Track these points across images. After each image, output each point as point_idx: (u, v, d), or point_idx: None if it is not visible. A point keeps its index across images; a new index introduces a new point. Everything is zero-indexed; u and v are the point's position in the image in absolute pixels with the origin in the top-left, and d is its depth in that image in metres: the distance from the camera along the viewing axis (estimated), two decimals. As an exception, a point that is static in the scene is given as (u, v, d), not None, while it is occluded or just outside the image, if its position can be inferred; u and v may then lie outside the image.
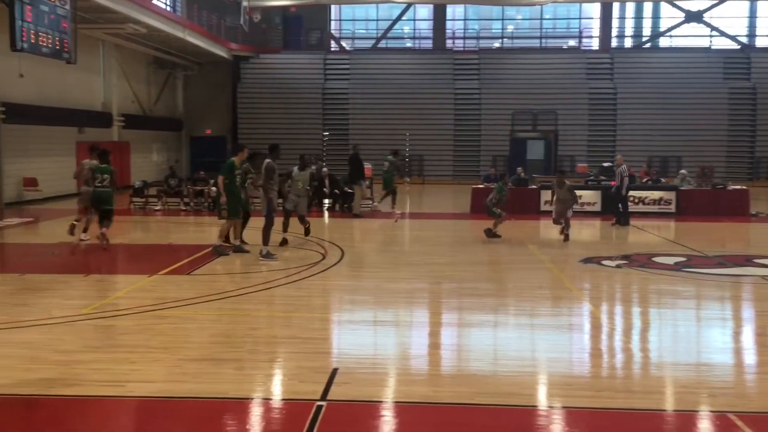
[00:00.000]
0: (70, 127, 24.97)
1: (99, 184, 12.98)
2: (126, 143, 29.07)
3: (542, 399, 6.00)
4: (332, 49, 38.09)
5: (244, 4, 31.60)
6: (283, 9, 36.26)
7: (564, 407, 5.68)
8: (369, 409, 5.59)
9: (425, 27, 39.14)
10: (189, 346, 7.12)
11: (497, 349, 7.48)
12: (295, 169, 13.62)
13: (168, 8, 30.59)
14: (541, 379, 6.46)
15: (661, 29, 38.66)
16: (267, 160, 12.31)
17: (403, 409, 5.64)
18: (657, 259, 12.71)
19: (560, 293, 9.94)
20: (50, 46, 18.35)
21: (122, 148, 28.38)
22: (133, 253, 13.42)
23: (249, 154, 13.01)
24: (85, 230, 13.65)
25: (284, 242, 13.47)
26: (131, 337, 7.49)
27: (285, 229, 13.71)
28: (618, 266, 12.03)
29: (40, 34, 17.74)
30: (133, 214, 19.52)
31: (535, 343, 7.76)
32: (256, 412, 5.61)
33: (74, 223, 13.99)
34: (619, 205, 17.73)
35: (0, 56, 19.63)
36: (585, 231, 17.09)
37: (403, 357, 7.14)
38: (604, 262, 12.32)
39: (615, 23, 38.14)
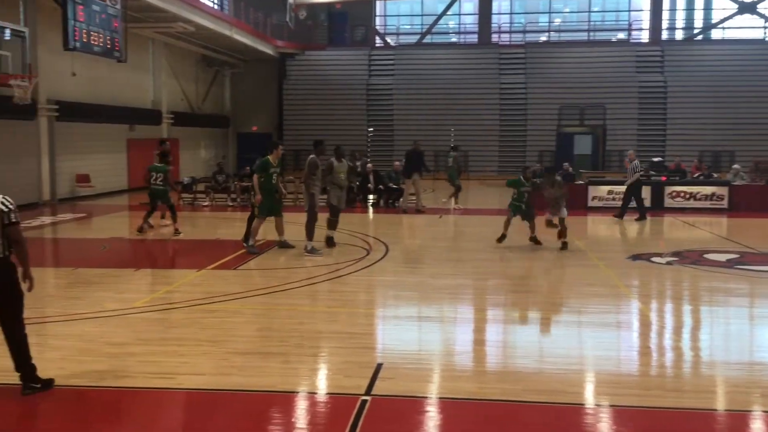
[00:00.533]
0: (121, 124, 25.52)
1: (153, 182, 13.94)
2: (175, 140, 29.56)
3: (589, 397, 5.92)
4: (377, 45, 38.13)
5: (290, 1, 31.85)
6: (329, 5, 36.42)
7: (611, 405, 5.60)
8: (413, 404, 5.59)
9: (470, 22, 38.89)
10: (236, 340, 7.22)
11: (543, 346, 7.41)
12: (334, 160, 12.89)
13: (216, 7, 31.00)
14: (588, 376, 6.37)
15: (714, 21, 37.70)
16: (311, 156, 12.39)
17: (447, 404, 5.62)
18: (709, 256, 12.42)
19: (608, 290, 9.79)
20: (101, 45, 18.79)
21: (171, 145, 28.85)
22: (183, 248, 13.64)
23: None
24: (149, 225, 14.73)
25: (330, 242, 12.84)
26: (181, 330, 7.63)
27: (334, 227, 13.07)
28: (668, 263, 11.79)
29: (92, 33, 18.18)
30: (182, 209, 19.84)
31: (583, 340, 7.66)
32: (301, 406, 5.66)
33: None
34: (632, 199, 17.49)
35: (53, 55, 20.18)
36: (634, 227, 16.78)
37: (448, 353, 7.12)
38: (653, 259, 12.09)
39: (665, 15, 37.34)
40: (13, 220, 5.49)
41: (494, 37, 37.70)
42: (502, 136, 34.08)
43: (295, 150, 34.41)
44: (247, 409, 5.54)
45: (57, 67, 20.76)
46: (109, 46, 19.27)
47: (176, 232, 14.33)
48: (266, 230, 12.74)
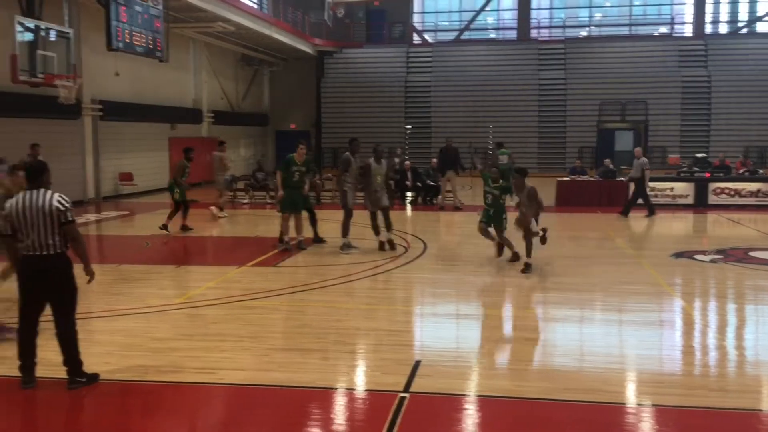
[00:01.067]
0: (163, 123, 25.93)
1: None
2: (215, 138, 29.92)
3: (630, 396, 5.85)
4: (415, 42, 38.06)
5: (328, -1, 32.00)
6: (367, 3, 36.49)
7: (653, 405, 5.52)
8: (451, 401, 5.59)
9: (509, 17, 38.59)
10: (276, 336, 7.30)
11: (583, 344, 7.34)
12: (372, 161, 12.47)
13: (255, 6, 31.29)
14: (629, 375, 6.29)
15: (759, 13, 36.79)
16: (345, 153, 12.43)
17: (485, 402, 5.61)
18: (754, 254, 12.15)
19: (650, 288, 9.64)
20: (144, 45, 19.10)
21: (211, 144, 29.24)
22: (222, 245, 13.82)
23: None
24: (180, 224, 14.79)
25: (383, 246, 12.29)
26: (221, 326, 7.73)
27: (377, 232, 12.45)
28: (712, 261, 11.57)
29: (135, 33, 18.49)
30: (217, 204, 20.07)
31: (623, 339, 7.57)
32: (340, 402, 5.70)
33: (212, 208, 16.57)
34: (635, 196, 17.33)
35: (97, 56, 20.58)
36: (677, 224, 16.51)
37: (486, 351, 7.10)
38: (697, 257, 11.88)
39: (709, 8, 36.55)
40: (70, 219, 5.66)
41: (533, 33, 37.34)
42: (540, 133, 33.76)
43: (332, 148, 34.58)
44: (287, 404, 5.60)
45: (101, 68, 21.17)
46: (151, 46, 19.58)
47: (163, 226, 14.41)
48: (305, 228, 12.82)
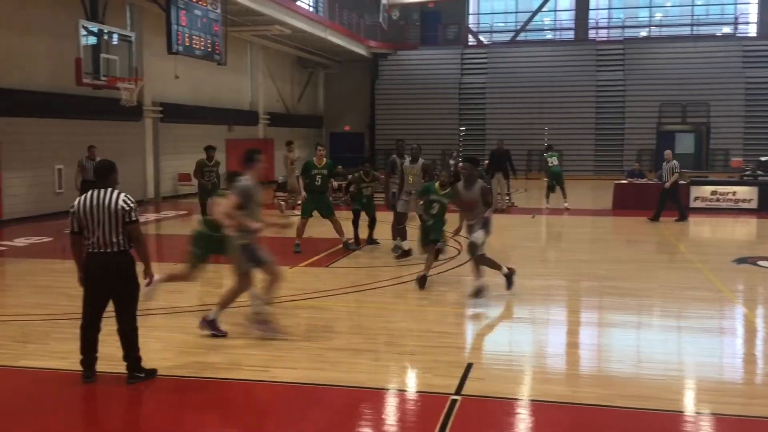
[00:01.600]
0: (221, 125, 26.39)
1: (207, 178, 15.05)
2: (270, 140, 30.33)
3: (689, 404, 5.70)
4: (470, 43, 37.90)
5: (384, 2, 32.11)
6: (421, 5, 36.49)
7: (712, 414, 5.37)
8: (504, 405, 5.53)
9: (567, 18, 38.08)
10: (328, 336, 7.34)
11: (640, 350, 7.17)
12: (406, 160, 11.93)
13: (311, 9, 31.62)
14: (687, 383, 6.13)
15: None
16: (393, 156, 12.37)
17: (538, 407, 5.54)
18: (822, 261, 11.71)
19: (710, 294, 9.38)
20: (203, 48, 19.49)
21: (267, 145, 29.64)
22: (276, 246, 13.94)
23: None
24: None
25: (406, 254, 11.76)
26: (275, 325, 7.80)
27: (402, 236, 11.98)
28: (776, 267, 11.19)
29: (194, 37, 18.88)
30: (276, 207, 20.30)
31: (682, 345, 7.38)
32: (391, 403, 5.70)
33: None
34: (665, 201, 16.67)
35: (157, 59, 21.07)
36: (739, 229, 16.02)
37: (540, 355, 7.01)
38: (760, 263, 11.50)
39: (775, 7, 35.40)
40: (133, 219, 5.78)
41: (591, 33, 36.80)
42: (598, 135, 33.22)
43: (386, 150, 34.63)
44: (339, 404, 5.63)
45: (161, 70, 21.68)
46: (210, 50, 19.96)
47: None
48: (362, 229, 12.87)
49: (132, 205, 5.79)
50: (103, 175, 5.89)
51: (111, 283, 5.79)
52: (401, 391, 5.95)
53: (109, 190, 5.80)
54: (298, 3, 28.73)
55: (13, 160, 16.33)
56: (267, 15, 23.91)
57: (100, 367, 6.03)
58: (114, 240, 5.73)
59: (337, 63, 36.30)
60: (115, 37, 17.25)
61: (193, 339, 7.18)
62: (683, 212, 16.73)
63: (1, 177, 16.22)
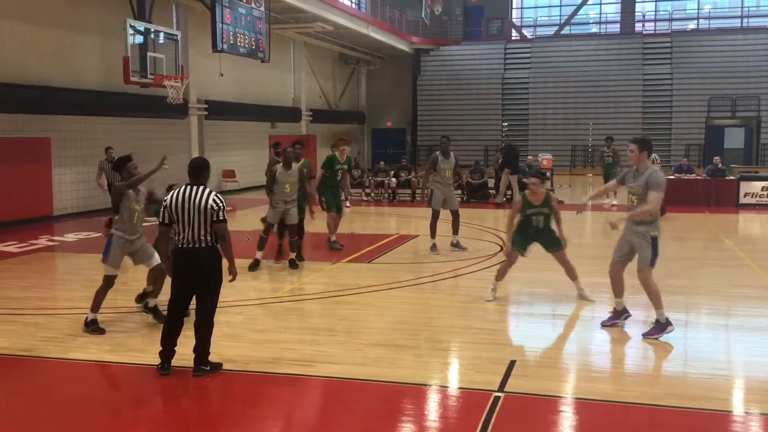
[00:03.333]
0: (264, 122, 26.66)
1: None
2: (313, 136, 30.52)
3: (738, 404, 5.58)
4: (513, 38, 37.57)
5: (426, -3, 32.02)
6: (464, 0, 36.33)
7: (762, 414, 5.24)
8: (547, 403, 5.49)
9: (612, 11, 37.47)
10: (370, 332, 7.37)
11: (687, 349, 7.04)
12: (439, 155, 11.86)
13: (353, 6, 31.68)
14: (736, 383, 6.00)
15: None
16: (436, 153, 12.18)
17: (583, 405, 5.48)
18: None
19: (761, 293, 9.15)
20: (247, 46, 19.68)
21: (309, 141, 29.84)
22: (319, 242, 14.06)
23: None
24: None
25: (434, 247, 11.91)
26: (318, 320, 7.89)
27: (433, 234, 12.06)
28: (831, 265, 10.86)
29: (238, 35, 19.08)
30: (318, 204, 20.43)
31: (731, 344, 7.23)
32: (433, 399, 5.70)
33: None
34: None
35: (202, 57, 21.37)
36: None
37: (584, 352, 6.93)
38: (813, 261, 11.18)
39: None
40: (221, 218, 5.93)
41: (638, 27, 36.16)
42: (645, 130, 32.59)
43: (428, 145, 34.60)
44: (381, 399, 5.65)
45: (206, 68, 21.98)
46: (253, 47, 20.15)
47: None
48: (399, 225, 12.88)
49: (221, 204, 5.92)
50: (196, 172, 6.03)
51: (196, 277, 5.94)
52: (443, 388, 5.94)
53: (201, 188, 5.95)
54: (341, 0, 28.83)
55: (63, 157, 16.74)
56: (310, 12, 24.05)
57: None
58: (202, 237, 5.87)
59: (379, 59, 36.33)
60: (162, 35, 17.53)
61: (238, 333, 7.28)
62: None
63: (52, 173, 16.64)
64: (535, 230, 8.71)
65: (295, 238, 10.80)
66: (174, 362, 6.10)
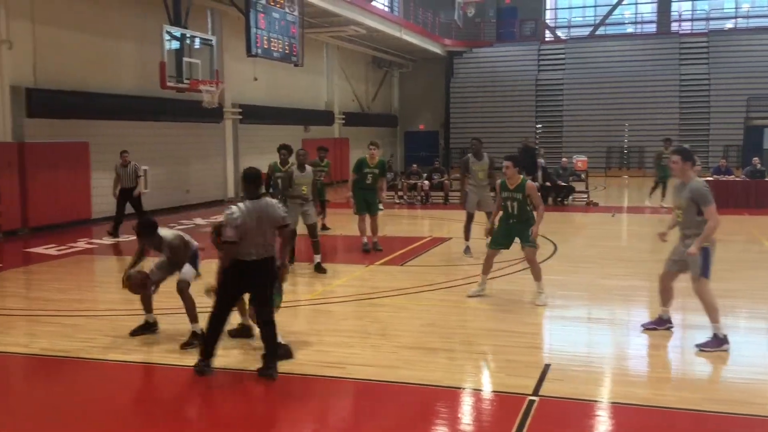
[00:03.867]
0: (297, 125, 26.82)
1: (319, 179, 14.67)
2: (345, 140, 30.64)
3: (779, 411, 5.45)
4: (547, 38, 37.30)
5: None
6: (497, 1, 36.16)
7: (806, 422, 5.12)
8: (583, 407, 5.42)
9: (648, 11, 36.98)
10: (403, 334, 7.36)
11: (727, 353, 6.89)
12: (470, 156, 11.79)
13: (386, 9, 31.75)
14: (778, 389, 5.87)
15: None
16: (468, 155, 12.11)
17: (619, 410, 5.40)
18: None
19: (803, 297, 8.94)
20: (281, 50, 19.82)
21: (342, 145, 29.97)
22: (352, 244, 14.09)
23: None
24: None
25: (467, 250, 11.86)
26: (350, 322, 7.90)
27: (467, 237, 12.00)
28: None
29: (272, 39, 19.22)
30: (352, 206, 20.47)
31: (772, 349, 7.06)
32: (467, 402, 5.67)
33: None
34: None
35: (236, 62, 21.59)
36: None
37: (620, 356, 6.83)
38: None
39: None
40: (287, 222, 6.09)
41: (674, 26, 35.64)
42: (681, 131, 32.11)
43: (461, 148, 34.49)
44: (414, 402, 5.63)
45: (240, 73, 22.18)
46: (287, 51, 20.28)
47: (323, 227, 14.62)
48: (432, 228, 12.85)
49: (285, 210, 6.07)
50: (257, 182, 6.01)
51: (258, 283, 6.02)
52: (477, 391, 5.90)
53: (263, 197, 6.01)
54: (374, 3, 28.90)
55: (101, 161, 17.02)
56: (343, 16, 24.15)
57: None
58: (271, 245, 6.00)
59: (411, 62, 36.33)
60: (197, 41, 17.74)
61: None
62: None
63: (91, 177, 16.93)
64: (512, 219, 8.73)
65: (316, 238, 10.86)
66: (190, 362, 6.16)
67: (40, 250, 13.07)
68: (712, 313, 6.82)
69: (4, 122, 14.75)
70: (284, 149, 11.68)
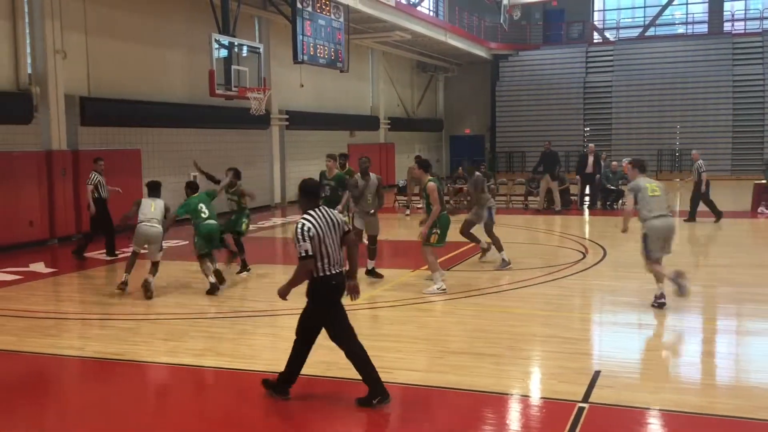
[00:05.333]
0: (343, 131, 26.97)
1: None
2: (391, 144, 30.68)
3: (841, 421, 5.27)
4: (595, 40, 36.80)
5: (504, 2, 31.71)
6: (544, 3, 35.82)
7: None
8: (634, 414, 5.32)
9: (700, 11, 36.19)
10: (450, 339, 7.33)
11: (785, 362, 6.70)
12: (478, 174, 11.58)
13: (431, 13, 31.74)
14: (840, 398, 5.67)
15: None
16: (477, 173, 11.57)
17: (672, 418, 5.29)
18: None
19: None
20: (326, 57, 19.98)
21: (387, 150, 30.03)
22: (398, 249, 14.11)
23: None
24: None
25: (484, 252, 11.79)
26: (397, 327, 7.90)
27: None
28: None
29: (318, 46, 19.39)
30: (397, 211, 20.51)
31: (833, 357, 6.83)
32: (515, 408, 5.62)
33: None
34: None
35: (283, 69, 21.83)
36: None
37: (672, 363, 6.70)
38: None
39: None
40: (349, 228, 5.81)
41: (727, 26, 34.78)
42: (735, 133, 31.34)
43: (507, 152, 34.31)
44: (461, 407, 5.60)
45: (287, 79, 22.42)
46: (333, 58, 20.43)
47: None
48: (477, 233, 12.78)
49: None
50: (316, 193, 5.74)
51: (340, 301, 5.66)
52: (525, 397, 5.84)
53: (324, 207, 5.65)
54: (419, 8, 28.92)
55: (151, 168, 17.38)
56: (388, 21, 24.21)
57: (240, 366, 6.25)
58: (339, 256, 5.60)
59: (456, 66, 36.22)
60: (245, 48, 17.99)
61: (318, 339, 7.35)
62: (718, 212, 16.57)
63: (142, 184, 17.27)
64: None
65: (374, 245, 10.86)
66: (240, 365, 6.22)
67: (94, 255, 13.39)
68: None
69: (59, 130, 15.17)
70: (342, 157, 11.66)
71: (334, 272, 5.54)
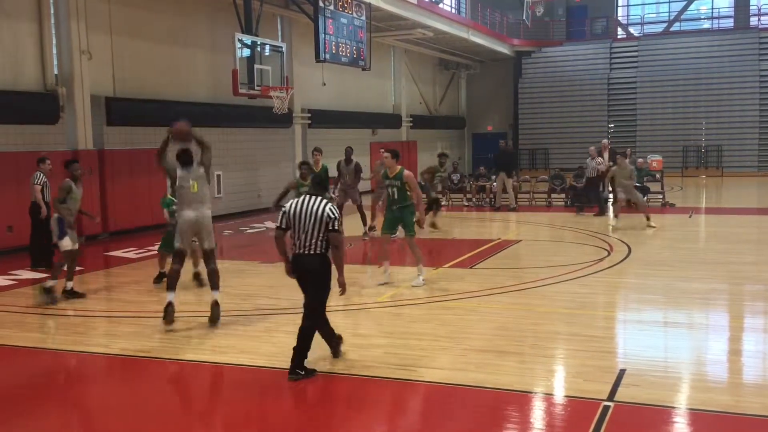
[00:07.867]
0: (365, 129, 26.99)
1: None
2: (413, 142, 30.65)
3: None
4: (619, 36, 36.47)
5: (527, -1, 31.58)
6: (567, 0, 35.57)
7: None
8: (661, 414, 5.27)
9: (725, 5, 35.71)
10: (473, 337, 7.31)
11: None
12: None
13: (453, 11, 31.64)
14: None
15: None
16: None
17: (698, 417, 5.23)
18: None
19: None
20: (349, 55, 20.00)
21: (410, 148, 29.99)
22: (421, 247, 14.07)
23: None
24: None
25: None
26: (420, 325, 7.89)
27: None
28: None
29: (340, 44, 19.42)
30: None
31: None
32: (539, 407, 5.59)
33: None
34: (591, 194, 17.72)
35: (305, 67, 21.90)
36: None
37: (699, 362, 6.61)
38: None
39: None
40: (336, 228, 6.23)
41: (753, 21, 34.29)
42: (762, 129, 30.90)
43: (530, 149, 34.12)
44: (485, 405, 5.58)
45: (309, 78, 22.49)
46: (355, 56, 20.46)
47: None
48: (501, 230, 12.73)
49: (336, 215, 6.23)
50: (323, 185, 6.59)
51: (307, 282, 6.29)
52: (549, 395, 5.81)
53: (319, 198, 6.29)
54: (441, 5, 28.85)
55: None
56: (410, 19, 24.19)
57: (258, 362, 6.29)
58: (315, 243, 6.17)
59: (479, 63, 36.10)
60: (268, 48, 18.07)
61: (343, 337, 7.37)
62: (601, 206, 17.37)
63: (167, 183, 17.41)
64: (395, 206, 9.84)
65: (362, 213, 11.41)
66: (263, 363, 6.26)
67: (119, 253, 13.54)
68: None
69: (85, 130, 15.35)
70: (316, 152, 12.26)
71: (300, 252, 6.21)
